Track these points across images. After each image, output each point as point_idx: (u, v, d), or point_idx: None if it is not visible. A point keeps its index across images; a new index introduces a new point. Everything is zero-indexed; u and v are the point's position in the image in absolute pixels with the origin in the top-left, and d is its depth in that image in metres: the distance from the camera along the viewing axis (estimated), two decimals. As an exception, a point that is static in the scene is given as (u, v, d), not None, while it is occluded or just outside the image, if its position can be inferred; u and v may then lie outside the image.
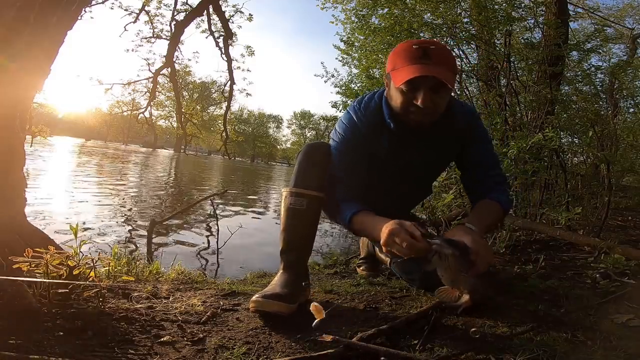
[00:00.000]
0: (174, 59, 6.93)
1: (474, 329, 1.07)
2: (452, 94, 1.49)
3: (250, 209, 5.50)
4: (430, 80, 1.17)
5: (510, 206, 1.48)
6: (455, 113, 1.35)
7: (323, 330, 0.95)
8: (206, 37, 7.16)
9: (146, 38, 8.68)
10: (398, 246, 1.07)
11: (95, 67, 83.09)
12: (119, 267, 1.41)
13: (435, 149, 1.40)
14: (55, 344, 0.86)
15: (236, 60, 9.40)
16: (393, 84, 1.24)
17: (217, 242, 2.63)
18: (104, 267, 1.26)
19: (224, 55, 6.85)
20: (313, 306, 0.95)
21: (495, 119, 2.93)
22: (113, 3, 7.98)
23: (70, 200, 4.28)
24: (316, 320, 0.92)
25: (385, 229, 1.11)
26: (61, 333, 0.91)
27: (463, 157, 1.45)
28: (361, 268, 1.83)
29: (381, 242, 1.12)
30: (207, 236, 3.29)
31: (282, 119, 58.01)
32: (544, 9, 3.63)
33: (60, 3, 1.30)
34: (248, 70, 17.66)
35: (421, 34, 3.59)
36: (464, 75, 3.68)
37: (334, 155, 1.36)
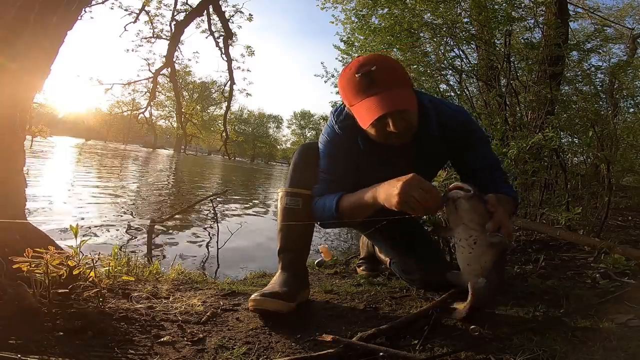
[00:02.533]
0: (174, 59, 6.93)
1: (473, 327, 1.07)
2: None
3: (250, 209, 5.50)
4: None
5: (518, 203, 1.48)
6: (427, 112, 1.27)
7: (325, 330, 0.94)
8: (206, 37, 7.17)
9: (146, 38, 8.69)
10: (414, 200, 1.03)
11: (95, 67, 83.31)
12: (119, 267, 1.41)
13: (418, 156, 1.34)
14: (55, 344, 0.86)
15: (236, 60, 9.42)
16: (359, 123, 1.20)
17: (217, 242, 2.63)
18: (104, 267, 1.26)
19: (224, 55, 6.87)
20: (322, 247, 0.94)
21: (495, 119, 2.93)
22: (113, 3, 8.00)
23: (70, 200, 4.28)
24: (320, 259, 0.91)
25: (398, 182, 1.06)
26: (61, 333, 0.91)
27: (467, 162, 1.39)
28: (361, 268, 1.83)
29: (395, 194, 1.05)
30: (207, 236, 3.29)
31: (282, 119, 57.99)
32: (544, 9, 3.64)
33: (60, 3, 1.30)
34: (248, 70, 17.65)
35: (421, 34, 3.60)
36: (464, 76, 3.68)
37: (320, 157, 1.34)
